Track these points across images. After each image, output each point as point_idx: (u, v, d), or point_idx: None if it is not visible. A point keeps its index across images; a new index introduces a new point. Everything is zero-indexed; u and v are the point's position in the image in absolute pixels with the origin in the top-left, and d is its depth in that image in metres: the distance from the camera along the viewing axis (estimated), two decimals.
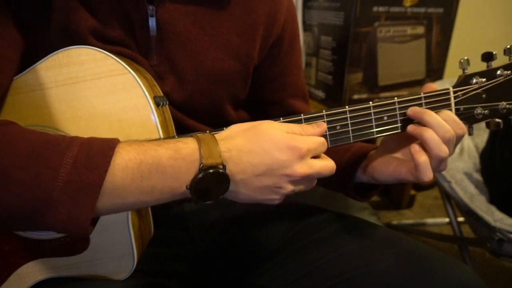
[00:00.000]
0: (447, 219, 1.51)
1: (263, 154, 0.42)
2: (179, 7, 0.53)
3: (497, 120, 0.53)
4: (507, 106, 0.52)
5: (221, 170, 0.41)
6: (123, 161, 0.38)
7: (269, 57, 0.63)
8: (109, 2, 0.50)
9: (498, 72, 0.51)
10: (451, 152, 0.49)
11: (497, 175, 1.06)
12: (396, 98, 0.50)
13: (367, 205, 0.86)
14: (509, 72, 0.51)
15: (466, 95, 0.52)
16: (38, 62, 0.47)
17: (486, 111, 0.52)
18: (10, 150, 0.36)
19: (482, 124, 0.54)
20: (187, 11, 0.54)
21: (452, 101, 0.51)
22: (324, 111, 0.48)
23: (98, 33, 0.50)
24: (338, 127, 0.49)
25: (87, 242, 0.49)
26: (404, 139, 0.53)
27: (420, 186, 1.78)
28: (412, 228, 1.55)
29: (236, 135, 0.44)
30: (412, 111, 0.49)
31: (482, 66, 0.52)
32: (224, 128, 0.46)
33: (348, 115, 0.49)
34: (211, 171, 0.40)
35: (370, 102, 0.49)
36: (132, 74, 0.47)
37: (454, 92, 0.51)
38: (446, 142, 0.47)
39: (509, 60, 0.52)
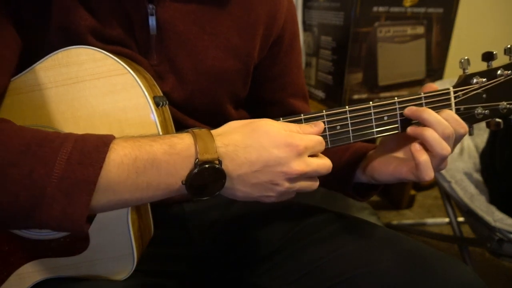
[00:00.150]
0: (447, 219, 1.51)
1: (260, 150, 0.42)
2: (179, 6, 0.53)
3: (498, 120, 0.53)
4: (508, 106, 0.52)
5: (217, 166, 0.40)
6: (118, 157, 0.38)
7: (269, 56, 0.63)
8: (109, 1, 0.50)
9: (499, 72, 0.51)
10: (451, 150, 0.49)
11: (497, 175, 1.06)
12: (396, 98, 0.50)
13: (367, 205, 0.86)
14: (509, 72, 0.51)
15: (467, 95, 0.52)
16: (37, 62, 0.47)
17: (486, 111, 0.52)
18: (4, 147, 0.36)
19: (482, 124, 0.54)
20: (187, 10, 0.54)
21: (453, 101, 0.51)
22: (324, 111, 0.48)
23: (97, 32, 0.50)
24: (338, 127, 0.49)
25: (87, 242, 0.49)
26: (404, 139, 0.53)
27: (420, 186, 1.78)
28: (412, 228, 1.55)
29: (233, 131, 0.44)
30: (410, 110, 0.49)
31: (482, 66, 0.52)
32: None
33: (348, 115, 0.49)
34: (206, 166, 0.40)
35: (370, 102, 0.49)
36: (131, 74, 0.47)
37: (455, 92, 0.51)
38: (446, 138, 0.47)
39: (510, 59, 0.52)
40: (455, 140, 0.49)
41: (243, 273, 0.61)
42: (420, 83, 1.32)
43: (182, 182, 0.40)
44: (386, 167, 0.52)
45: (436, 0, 1.22)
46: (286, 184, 0.43)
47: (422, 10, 1.22)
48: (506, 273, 1.36)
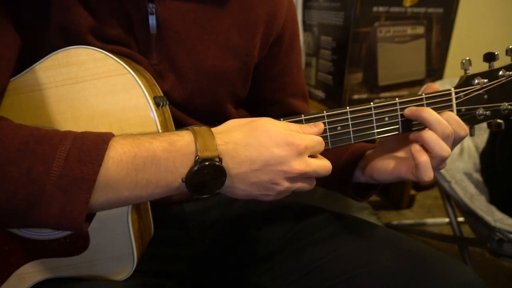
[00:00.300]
0: (447, 219, 1.51)
1: (261, 148, 0.42)
2: (179, 5, 0.53)
3: (499, 121, 0.53)
4: (509, 106, 0.52)
5: (217, 163, 0.40)
6: (117, 154, 0.38)
7: (269, 56, 0.63)
8: (109, 1, 0.50)
9: (500, 72, 0.51)
10: (451, 151, 0.49)
11: (497, 175, 1.06)
12: (397, 99, 0.50)
13: (367, 205, 0.86)
14: (511, 72, 0.51)
15: (468, 96, 0.52)
16: (37, 62, 0.47)
17: (487, 112, 0.52)
18: (2, 145, 0.36)
19: (483, 124, 0.54)
20: (187, 9, 0.54)
21: (454, 102, 0.51)
22: (325, 111, 0.48)
23: (97, 32, 0.50)
24: (339, 128, 0.49)
25: (87, 243, 0.49)
26: (403, 138, 0.53)
27: (420, 186, 1.78)
28: (412, 228, 1.55)
29: (233, 129, 0.43)
30: (410, 110, 0.49)
31: (482, 66, 0.52)
32: None
33: (349, 116, 0.48)
34: (206, 163, 0.40)
35: (371, 103, 0.49)
36: (131, 74, 0.47)
37: (456, 93, 0.51)
38: (445, 138, 0.47)
39: (511, 60, 0.51)
40: (455, 141, 0.49)
41: (243, 273, 0.61)
42: (420, 83, 1.32)
43: (182, 179, 0.40)
44: (386, 166, 0.52)
45: (436, 0, 1.22)
46: (286, 184, 0.43)
47: (422, 10, 1.22)
48: (506, 273, 1.36)
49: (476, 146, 1.21)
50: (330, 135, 0.48)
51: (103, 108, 0.47)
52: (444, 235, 1.45)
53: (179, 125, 0.55)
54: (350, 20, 1.15)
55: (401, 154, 0.53)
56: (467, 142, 1.21)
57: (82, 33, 0.49)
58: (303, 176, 0.44)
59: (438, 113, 0.48)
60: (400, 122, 0.50)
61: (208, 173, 0.40)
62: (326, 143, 0.48)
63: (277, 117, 0.47)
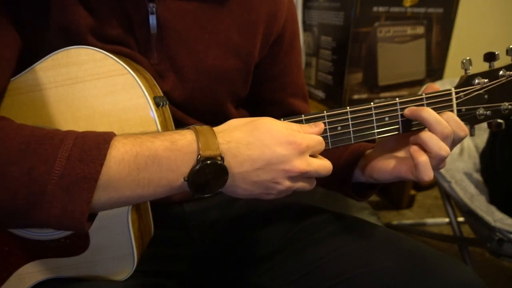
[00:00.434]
0: (447, 219, 1.51)
1: (263, 147, 0.42)
2: (179, 5, 0.53)
3: (499, 120, 0.53)
4: (509, 106, 0.52)
5: (219, 162, 0.40)
6: (119, 153, 0.38)
7: (269, 56, 0.63)
8: (108, 1, 0.50)
9: (501, 72, 0.51)
10: (450, 151, 0.49)
11: (497, 175, 1.06)
12: (397, 99, 0.50)
13: (367, 205, 0.86)
14: (511, 72, 0.51)
15: (468, 96, 0.51)
16: (37, 62, 0.47)
17: (488, 112, 0.52)
18: (3, 145, 0.35)
19: (483, 124, 0.54)
20: (188, 9, 0.54)
21: (454, 102, 0.51)
22: (325, 111, 0.48)
23: (97, 32, 0.50)
24: (339, 128, 0.49)
25: (87, 243, 0.49)
26: (403, 137, 0.53)
27: (420, 186, 1.78)
28: (412, 228, 1.55)
29: (234, 128, 0.43)
30: (409, 110, 0.49)
31: (482, 66, 0.52)
32: None
33: (349, 116, 0.48)
34: (208, 162, 0.40)
35: (372, 103, 0.49)
36: (132, 74, 0.47)
37: (456, 93, 0.51)
38: (444, 138, 0.47)
39: None
40: (455, 141, 0.49)
41: (243, 273, 0.61)
42: (420, 83, 1.32)
43: (184, 178, 0.40)
44: (385, 166, 0.52)
45: (436, 0, 1.22)
46: (287, 183, 0.43)
47: (422, 10, 1.22)
48: (506, 273, 1.36)
49: (476, 146, 1.21)
50: (330, 135, 0.48)
51: (103, 108, 0.47)
52: (444, 235, 1.45)
53: (179, 125, 0.55)
54: (350, 20, 1.15)
55: (401, 154, 0.53)
56: (467, 142, 1.21)
57: (82, 33, 0.49)
58: (304, 176, 0.44)
59: (438, 113, 0.48)
60: (400, 122, 0.50)
61: (210, 172, 0.40)
62: (326, 143, 0.48)
63: (277, 117, 0.47)
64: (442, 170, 1.05)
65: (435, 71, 1.34)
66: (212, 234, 0.64)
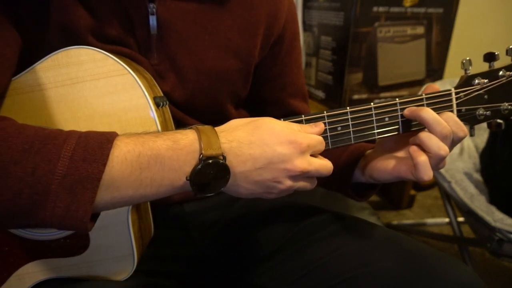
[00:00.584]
0: (447, 219, 1.51)
1: (264, 147, 0.42)
2: (180, 5, 0.53)
3: (499, 121, 0.53)
4: (509, 107, 0.52)
5: (221, 161, 0.40)
6: (122, 153, 0.38)
7: (270, 56, 0.63)
8: (108, 1, 0.50)
9: (500, 73, 0.51)
10: (449, 151, 0.49)
11: (497, 175, 1.06)
12: (397, 99, 0.50)
13: (367, 205, 0.86)
14: (511, 73, 0.51)
15: (468, 96, 0.51)
16: (37, 63, 0.47)
17: (488, 112, 0.52)
18: (6, 145, 0.35)
19: (483, 124, 0.54)
20: (188, 9, 0.54)
21: (454, 102, 0.51)
22: (325, 112, 0.48)
23: (97, 32, 0.50)
24: (339, 128, 0.49)
25: (87, 243, 0.49)
26: (403, 137, 0.53)
27: (420, 186, 1.78)
28: (412, 228, 1.55)
29: (236, 128, 0.44)
30: (409, 110, 0.49)
31: (482, 66, 0.52)
32: None
33: (349, 116, 0.49)
34: (210, 161, 0.40)
35: (372, 103, 0.49)
36: (132, 74, 0.47)
37: (456, 93, 0.51)
38: (443, 138, 0.47)
39: (511, 60, 0.51)
40: (454, 142, 0.49)
41: (243, 273, 0.61)
42: (420, 83, 1.32)
43: (186, 178, 0.40)
44: (385, 166, 0.52)
45: (436, 0, 1.22)
46: (288, 182, 0.43)
47: (422, 10, 1.22)
48: (506, 273, 1.36)
49: (476, 146, 1.21)
50: (330, 135, 0.48)
51: (103, 109, 0.47)
52: (444, 235, 1.44)
53: (180, 125, 0.55)
54: (350, 20, 1.15)
55: (400, 154, 0.53)
56: (467, 142, 1.21)
57: (82, 33, 0.49)
58: (305, 175, 0.44)
59: (438, 113, 0.48)
60: (400, 122, 0.50)
61: (212, 171, 0.40)
62: (327, 143, 0.48)
63: (277, 117, 0.47)
64: (442, 170, 1.05)
65: (435, 71, 1.34)
66: (212, 234, 0.64)
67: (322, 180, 0.54)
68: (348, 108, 0.48)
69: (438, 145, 0.46)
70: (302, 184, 0.45)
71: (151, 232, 0.55)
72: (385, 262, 0.51)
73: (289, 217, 0.63)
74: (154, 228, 0.56)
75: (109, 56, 0.47)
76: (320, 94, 1.37)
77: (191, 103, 0.57)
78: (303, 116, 0.48)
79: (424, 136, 0.47)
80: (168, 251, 0.62)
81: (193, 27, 0.54)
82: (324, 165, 0.45)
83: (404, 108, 0.50)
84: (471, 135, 0.53)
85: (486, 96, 0.52)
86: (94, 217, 0.40)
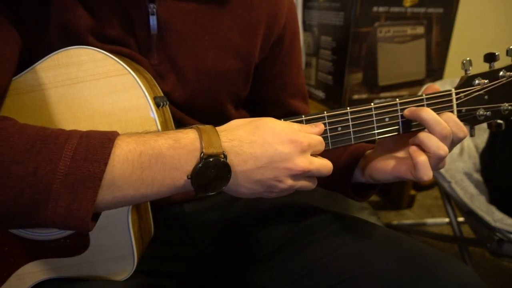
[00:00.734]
0: (447, 219, 1.51)
1: (265, 145, 0.42)
2: (180, 5, 0.53)
3: (499, 121, 0.53)
4: (509, 107, 0.52)
5: (222, 159, 0.40)
6: (123, 152, 0.38)
7: (270, 56, 0.63)
8: (109, 1, 0.50)
9: (501, 73, 0.51)
10: (449, 151, 0.49)
11: (497, 175, 1.06)
12: (397, 99, 0.50)
13: (367, 205, 0.86)
14: (511, 73, 0.51)
15: (468, 97, 0.52)
16: (37, 63, 0.47)
17: (488, 112, 0.52)
18: (8, 145, 0.35)
19: (483, 125, 0.54)
20: (188, 10, 0.54)
21: (454, 102, 0.51)
22: (325, 112, 0.48)
23: (97, 32, 0.50)
24: (339, 128, 0.49)
25: (87, 243, 0.49)
26: (402, 137, 0.53)
27: (420, 186, 1.78)
28: (412, 228, 1.55)
29: (236, 127, 0.44)
30: (409, 110, 0.49)
31: (482, 66, 0.52)
32: None
33: (349, 116, 0.49)
34: (211, 160, 0.40)
35: (372, 104, 0.49)
36: (132, 74, 0.47)
37: (456, 94, 0.51)
38: (443, 138, 0.47)
39: None
40: (454, 142, 0.49)
41: (243, 273, 0.61)
42: (420, 83, 1.32)
43: (187, 176, 0.40)
44: (385, 166, 0.52)
45: (436, 0, 1.22)
46: (289, 181, 0.43)
47: (422, 10, 1.22)
48: (506, 273, 1.36)
49: (476, 146, 1.21)
50: (330, 135, 0.48)
51: (103, 109, 0.47)
52: (444, 235, 1.45)
53: (180, 125, 0.55)
54: (350, 20, 1.15)
55: (400, 154, 0.53)
56: (467, 142, 1.21)
57: (82, 33, 0.49)
58: (306, 174, 0.44)
59: (438, 114, 0.48)
60: (400, 122, 0.50)
61: (213, 169, 0.40)
62: (327, 143, 0.48)
63: (277, 117, 0.47)
64: (442, 170, 1.05)
65: (435, 71, 1.34)
66: (212, 234, 0.64)
67: (322, 181, 0.54)
68: (348, 108, 0.48)
69: (437, 145, 0.46)
70: (303, 183, 0.45)
71: (151, 232, 0.55)
72: (385, 262, 0.51)
73: (289, 217, 0.63)
74: (154, 228, 0.56)
75: (109, 56, 0.47)
76: (320, 94, 1.37)
77: (191, 103, 0.57)
78: (303, 116, 0.48)
79: (424, 136, 0.47)
80: (168, 251, 0.62)
81: (193, 27, 0.54)
82: (325, 164, 0.45)
83: (404, 109, 0.50)
84: (471, 135, 0.53)
85: (486, 97, 0.52)
86: (95, 216, 0.40)
